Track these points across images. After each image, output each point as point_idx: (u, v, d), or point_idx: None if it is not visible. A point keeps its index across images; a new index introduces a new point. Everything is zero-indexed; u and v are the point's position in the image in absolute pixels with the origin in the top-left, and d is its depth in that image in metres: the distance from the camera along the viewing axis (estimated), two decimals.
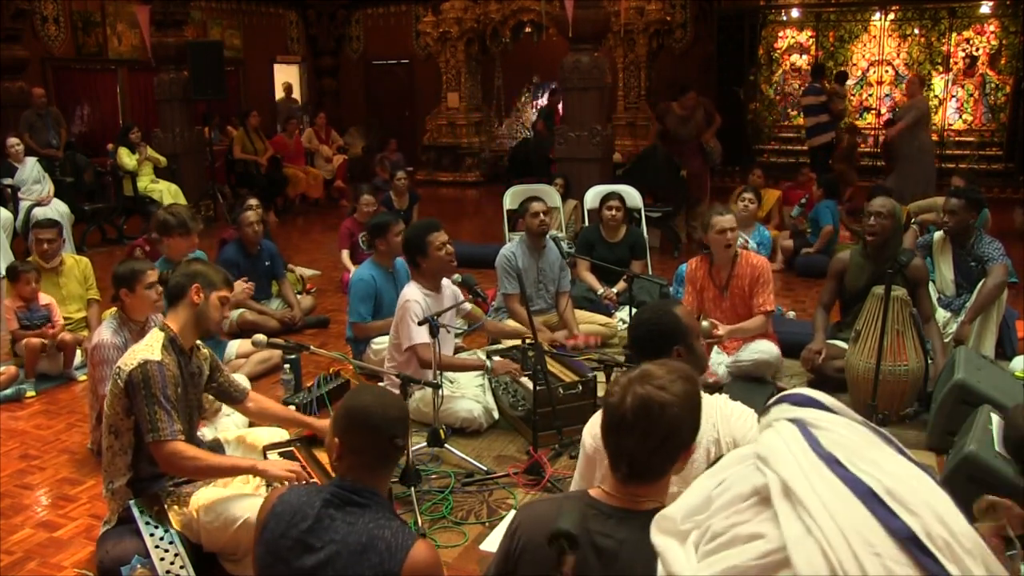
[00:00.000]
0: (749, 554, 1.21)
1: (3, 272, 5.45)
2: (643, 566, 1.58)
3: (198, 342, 2.99)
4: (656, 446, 1.62)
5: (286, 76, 14.74)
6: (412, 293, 4.01)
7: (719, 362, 4.40)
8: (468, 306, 4.45)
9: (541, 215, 5.04)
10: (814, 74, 10.32)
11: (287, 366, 4.44)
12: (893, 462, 1.24)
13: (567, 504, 1.72)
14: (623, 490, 1.67)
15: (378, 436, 1.89)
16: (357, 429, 1.90)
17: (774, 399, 1.44)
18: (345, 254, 6.88)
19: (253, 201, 6.21)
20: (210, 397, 3.23)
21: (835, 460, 1.20)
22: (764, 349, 4.32)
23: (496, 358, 4.27)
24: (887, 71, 11.77)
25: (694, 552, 1.34)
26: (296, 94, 14.68)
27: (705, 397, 2.34)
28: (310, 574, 1.82)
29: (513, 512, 3.18)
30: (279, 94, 14.18)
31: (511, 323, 4.85)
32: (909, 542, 1.09)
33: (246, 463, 2.78)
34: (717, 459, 2.20)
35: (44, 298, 4.91)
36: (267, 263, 5.80)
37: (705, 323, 4.11)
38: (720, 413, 2.26)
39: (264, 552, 1.89)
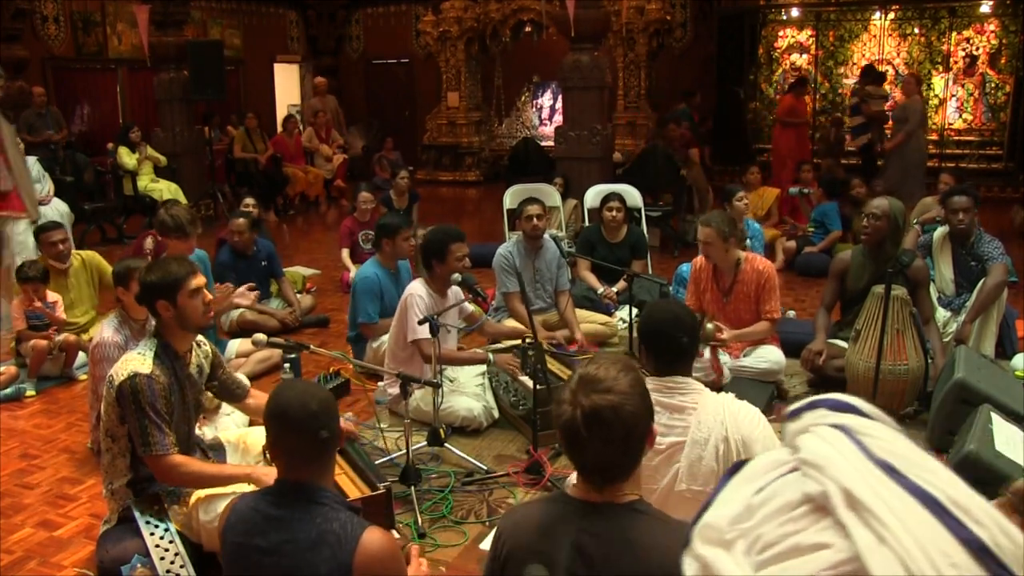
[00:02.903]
0: (817, 564, 1.17)
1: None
2: (620, 558, 1.59)
3: (199, 338, 2.98)
4: (619, 448, 1.61)
5: (287, 76, 14.74)
6: (416, 288, 4.03)
7: (722, 361, 4.38)
8: (469, 307, 4.45)
9: (535, 219, 5.05)
10: (862, 75, 10.25)
11: (287, 365, 4.44)
12: (944, 471, 1.22)
13: (546, 507, 1.72)
14: (600, 490, 1.67)
15: (302, 433, 1.87)
16: (281, 429, 1.89)
17: (806, 403, 1.41)
18: (345, 253, 6.89)
19: (249, 200, 6.24)
20: (209, 395, 3.22)
21: (892, 468, 1.15)
22: (771, 358, 4.29)
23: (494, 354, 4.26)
24: (887, 70, 11.75)
25: (744, 559, 1.31)
26: (297, 97, 14.69)
27: (712, 395, 2.36)
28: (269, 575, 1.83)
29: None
30: (289, 98, 14.06)
31: (510, 323, 4.85)
32: (982, 553, 1.07)
33: (241, 472, 2.76)
34: (726, 457, 2.22)
35: (51, 295, 4.90)
36: (264, 263, 5.80)
37: (710, 326, 4.07)
38: (728, 411, 2.27)
39: (226, 562, 1.92)
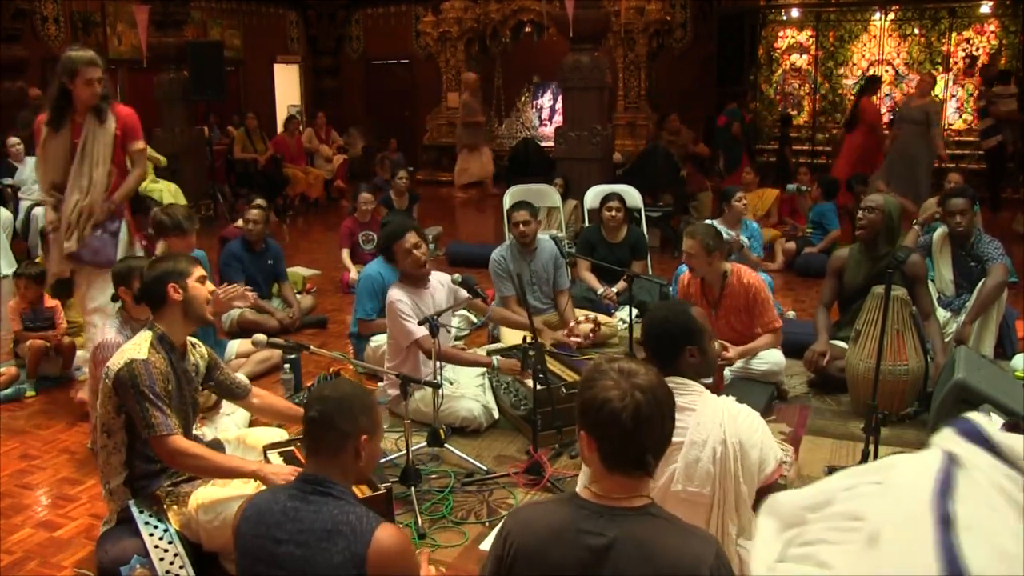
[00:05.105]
0: None
1: (3, 272, 5.45)
2: (635, 562, 1.58)
3: (194, 340, 2.98)
4: (669, 430, 1.67)
5: (287, 77, 14.73)
6: (394, 294, 4.01)
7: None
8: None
9: (521, 225, 5.06)
10: (983, 76, 10.11)
11: (287, 366, 4.45)
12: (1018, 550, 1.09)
13: (557, 508, 1.71)
14: (625, 486, 1.65)
15: (311, 422, 1.97)
16: (310, 425, 1.98)
17: (958, 418, 1.31)
18: (345, 253, 6.90)
19: (261, 202, 6.25)
20: (207, 394, 3.22)
21: (947, 521, 1.09)
22: (771, 359, 4.27)
23: (499, 358, 4.25)
24: (887, 71, 11.76)
25: (779, 545, 1.28)
26: (297, 98, 14.67)
27: (712, 398, 2.36)
28: (284, 566, 1.86)
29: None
30: (289, 98, 14.02)
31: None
32: None
33: (249, 467, 2.75)
34: (723, 460, 2.23)
35: (50, 301, 4.90)
36: (270, 262, 5.84)
37: (715, 345, 4.06)
38: (727, 414, 2.27)
39: (241, 555, 1.95)
